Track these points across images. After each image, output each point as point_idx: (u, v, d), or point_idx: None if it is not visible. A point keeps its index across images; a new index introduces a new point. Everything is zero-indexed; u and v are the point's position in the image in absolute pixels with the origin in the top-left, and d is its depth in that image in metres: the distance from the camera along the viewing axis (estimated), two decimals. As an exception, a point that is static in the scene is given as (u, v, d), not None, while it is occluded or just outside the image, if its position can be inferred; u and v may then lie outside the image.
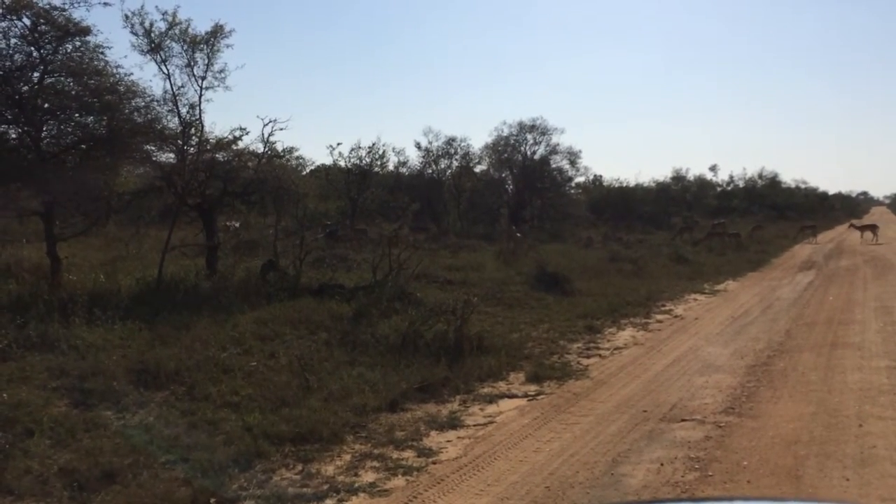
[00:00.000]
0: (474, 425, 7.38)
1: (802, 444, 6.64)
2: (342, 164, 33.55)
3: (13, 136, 12.61)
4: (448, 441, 6.89)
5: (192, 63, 13.82)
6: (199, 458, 5.93)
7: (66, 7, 12.19)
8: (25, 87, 12.25)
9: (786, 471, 6.00)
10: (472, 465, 6.24)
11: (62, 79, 12.60)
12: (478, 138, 63.98)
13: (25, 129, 12.39)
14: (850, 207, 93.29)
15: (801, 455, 6.34)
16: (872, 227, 35.22)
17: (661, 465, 6.20)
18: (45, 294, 11.02)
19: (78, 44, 12.58)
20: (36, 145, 12.37)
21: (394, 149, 37.86)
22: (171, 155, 14.34)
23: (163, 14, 13.46)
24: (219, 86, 14.13)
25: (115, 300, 11.19)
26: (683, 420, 7.49)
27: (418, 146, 37.09)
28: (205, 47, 13.85)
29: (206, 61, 13.90)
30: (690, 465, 6.20)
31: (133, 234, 20.10)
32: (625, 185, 48.47)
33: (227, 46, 14.12)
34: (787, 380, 9.11)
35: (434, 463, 6.28)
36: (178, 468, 5.81)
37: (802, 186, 74.23)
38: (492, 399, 8.32)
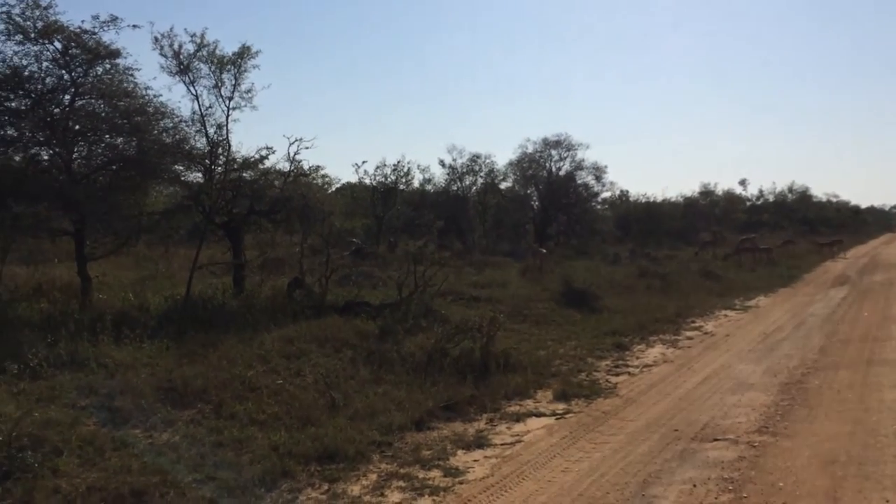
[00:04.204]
0: (501, 444, 7.29)
1: (840, 464, 6.46)
2: (367, 181, 33.78)
3: (45, 157, 12.80)
4: (475, 460, 6.80)
5: (220, 84, 14.00)
6: (226, 478, 5.91)
7: (97, 30, 12.40)
8: (57, 110, 12.45)
9: (823, 492, 5.82)
10: (499, 485, 6.15)
11: (92, 101, 12.80)
12: (502, 155, 64.04)
13: (57, 150, 12.57)
14: (883, 221, 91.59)
15: (839, 476, 6.16)
16: (838, 242, 38.66)
17: (694, 486, 6.06)
18: (76, 313, 11.13)
19: (108, 66, 12.80)
20: (67, 167, 12.54)
21: (418, 166, 37.99)
22: (199, 174, 14.48)
23: (191, 36, 13.66)
24: (245, 106, 14.31)
25: (144, 319, 11.27)
26: (716, 439, 7.33)
27: (442, 164, 37.17)
28: (232, 68, 14.02)
29: (234, 82, 14.09)
30: (724, 486, 6.05)
31: (163, 254, 20.34)
32: (652, 200, 48.07)
33: (254, 67, 14.28)
34: (823, 398, 8.90)
35: (461, 483, 6.20)
36: (205, 488, 5.78)
37: (834, 200, 73.14)
38: (519, 417, 8.22)
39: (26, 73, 12.22)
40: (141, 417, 7.30)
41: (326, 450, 6.63)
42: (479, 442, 7.29)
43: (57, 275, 14.69)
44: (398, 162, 34.02)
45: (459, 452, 7.01)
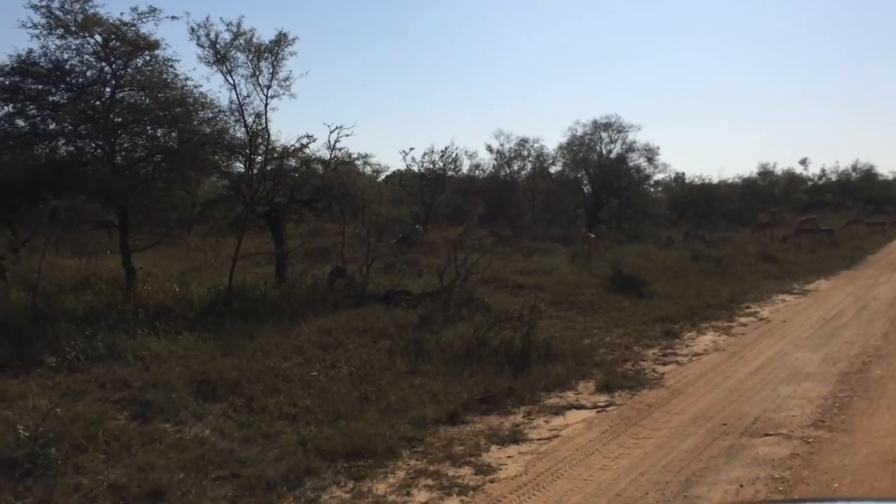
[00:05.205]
0: (538, 439, 6.98)
1: (902, 463, 5.99)
2: (415, 168, 33.70)
3: (88, 150, 12.92)
4: (509, 457, 6.51)
5: (257, 72, 13.87)
6: (250, 475, 5.75)
7: (136, 22, 12.44)
8: (98, 103, 12.53)
9: (882, 494, 5.38)
10: (532, 483, 5.85)
11: (133, 93, 12.86)
12: (552, 138, 63.05)
13: (99, 143, 12.68)
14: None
15: (902, 476, 5.70)
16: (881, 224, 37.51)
17: (741, 486, 5.67)
18: (119, 304, 11.21)
19: (147, 58, 12.83)
20: (110, 159, 12.64)
21: (466, 152, 37.69)
22: (240, 164, 14.46)
23: (227, 25, 13.56)
24: (284, 94, 14.16)
25: (185, 310, 11.29)
26: (767, 434, 6.90)
27: (490, 149, 36.82)
28: (269, 56, 13.89)
29: (271, 70, 13.94)
30: (774, 486, 5.65)
31: (212, 244, 20.50)
32: (707, 181, 46.72)
33: (291, 54, 14.13)
34: (885, 389, 8.35)
35: (492, 481, 5.91)
36: (228, 486, 5.64)
37: (902, 178, 69.90)
38: (558, 411, 7.89)
39: (67, 67, 12.35)
40: (172, 411, 7.21)
41: (355, 445, 6.41)
42: (515, 437, 6.99)
43: (107, 267, 14.88)
44: (446, 148, 33.87)
45: (493, 448, 6.73)
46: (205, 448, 6.27)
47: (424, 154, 33.34)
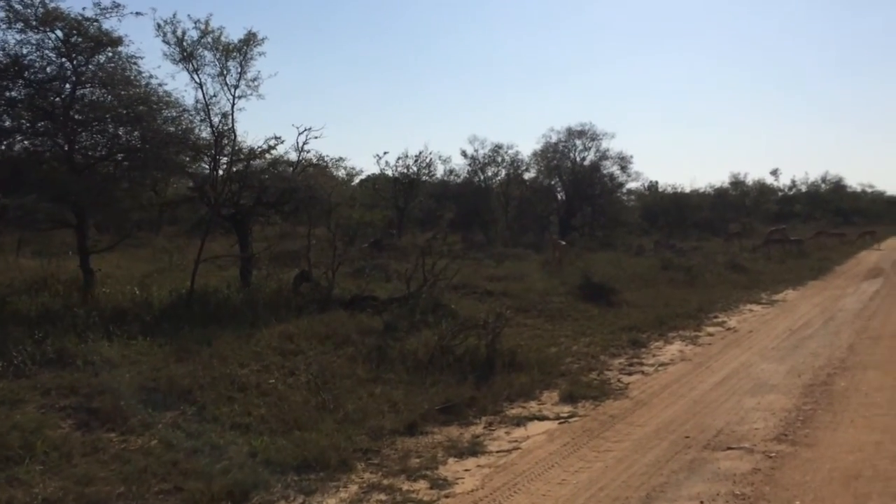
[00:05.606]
0: (497, 452, 6.80)
1: (864, 479, 5.89)
2: (389, 172, 33.49)
3: (46, 148, 12.54)
4: (466, 470, 6.31)
5: (225, 72, 13.60)
6: (194, 489, 5.50)
7: (98, 18, 12.11)
8: (57, 99, 12.18)
9: (844, 512, 5.28)
10: (488, 499, 5.66)
11: (95, 90, 12.51)
12: (526, 145, 63.45)
13: (58, 141, 12.31)
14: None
15: (863, 493, 5.60)
16: (871, 233, 39.02)
17: (701, 502, 5.54)
18: (76, 307, 10.86)
19: (110, 54, 12.50)
20: (68, 157, 12.28)
21: (440, 157, 37.58)
22: (205, 165, 14.15)
23: (195, 22, 13.28)
24: (252, 94, 13.90)
25: (143, 313, 10.99)
26: (729, 448, 6.79)
27: (464, 154, 36.73)
28: (237, 55, 13.62)
29: (239, 69, 13.69)
30: (734, 502, 5.52)
31: (179, 246, 20.11)
32: (680, 191, 47.07)
33: (260, 54, 13.88)
34: (849, 402, 8.30)
35: (446, 497, 5.71)
36: (171, 499, 5.40)
37: (869, 190, 71.13)
38: (520, 422, 7.72)
39: (26, 62, 11.97)
40: (119, 419, 6.92)
41: (307, 458, 6.17)
42: (474, 449, 6.80)
43: (67, 268, 14.45)
44: (420, 153, 33.73)
45: (451, 461, 6.53)
46: (149, 459, 6.01)
47: (399, 158, 33.22)
